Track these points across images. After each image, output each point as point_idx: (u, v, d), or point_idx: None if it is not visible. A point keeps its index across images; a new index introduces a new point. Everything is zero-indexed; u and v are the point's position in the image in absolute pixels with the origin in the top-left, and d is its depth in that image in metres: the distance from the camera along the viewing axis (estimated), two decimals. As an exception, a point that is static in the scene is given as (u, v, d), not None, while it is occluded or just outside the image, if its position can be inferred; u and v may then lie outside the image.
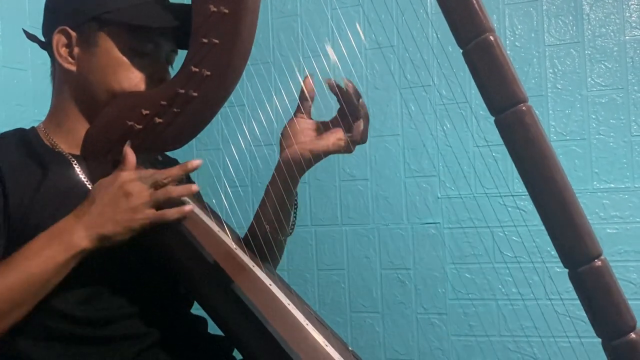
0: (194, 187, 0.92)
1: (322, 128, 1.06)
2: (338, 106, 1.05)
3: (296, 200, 1.12)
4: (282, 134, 1.07)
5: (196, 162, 0.91)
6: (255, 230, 1.07)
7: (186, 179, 1.18)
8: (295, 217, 1.14)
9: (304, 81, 1.04)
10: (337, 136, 1.03)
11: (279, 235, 1.09)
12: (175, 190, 0.89)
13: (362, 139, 1.03)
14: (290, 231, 1.14)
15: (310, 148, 1.03)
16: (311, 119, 1.08)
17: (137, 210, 0.87)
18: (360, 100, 1.02)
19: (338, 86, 1.01)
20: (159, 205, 0.89)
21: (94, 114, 0.97)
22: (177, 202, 0.91)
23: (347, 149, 1.04)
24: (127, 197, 0.87)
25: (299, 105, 1.06)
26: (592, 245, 0.75)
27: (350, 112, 1.02)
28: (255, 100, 1.72)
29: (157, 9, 0.95)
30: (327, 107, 1.08)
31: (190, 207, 0.91)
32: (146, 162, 0.98)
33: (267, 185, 1.10)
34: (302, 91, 1.04)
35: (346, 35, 1.81)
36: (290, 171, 1.05)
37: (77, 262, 0.87)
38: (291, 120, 1.07)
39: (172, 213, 0.89)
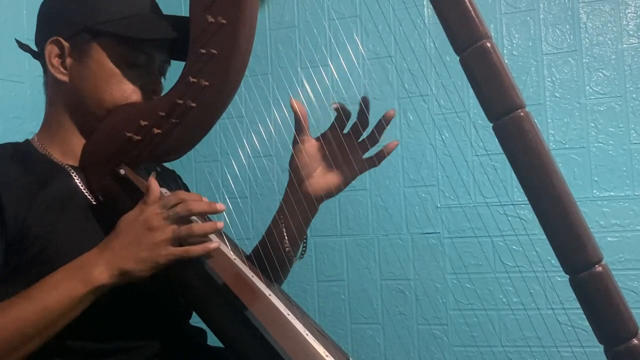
0: (219, 224, 0.89)
1: (330, 144, 1.05)
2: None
3: (306, 235, 1.11)
4: (290, 165, 1.06)
5: (222, 206, 0.88)
6: (260, 253, 1.07)
7: (183, 188, 1.18)
8: (305, 248, 1.12)
9: (291, 105, 1.02)
10: (359, 159, 1.04)
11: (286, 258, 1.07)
12: (199, 228, 0.87)
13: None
14: (300, 257, 1.12)
15: (328, 181, 1.04)
16: (312, 138, 1.06)
17: (160, 246, 0.85)
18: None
19: (342, 107, 1.02)
20: (181, 241, 0.87)
21: (86, 125, 0.97)
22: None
23: (372, 164, 1.04)
24: (150, 232, 0.85)
25: (296, 129, 1.05)
26: (593, 251, 0.74)
27: (364, 125, 1.02)
28: (254, 111, 1.72)
29: (150, 21, 0.96)
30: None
31: (216, 244, 0.88)
32: (145, 173, 0.98)
33: (275, 215, 1.09)
34: (295, 114, 1.03)
35: (344, 46, 1.81)
36: (302, 211, 1.05)
37: (95, 298, 0.85)
38: (297, 148, 1.05)
39: (196, 250, 0.87)
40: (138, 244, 0.85)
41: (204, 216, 0.93)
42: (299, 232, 1.07)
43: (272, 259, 1.03)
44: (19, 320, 0.82)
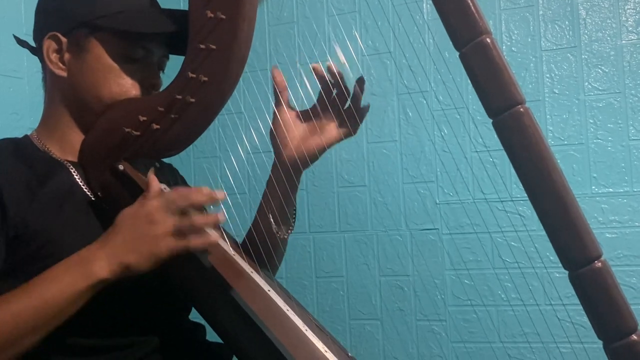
0: (221, 217, 0.87)
1: (311, 116, 1.07)
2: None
3: (294, 206, 1.12)
4: (270, 133, 1.08)
5: (221, 193, 0.87)
6: (253, 234, 1.07)
7: (181, 182, 1.18)
8: (294, 219, 1.14)
9: (272, 73, 1.06)
10: (336, 126, 1.06)
11: (278, 238, 1.09)
12: (200, 220, 0.85)
13: (361, 119, 1.07)
14: (290, 229, 1.14)
15: (310, 145, 1.05)
16: (293, 108, 1.09)
17: (161, 239, 0.83)
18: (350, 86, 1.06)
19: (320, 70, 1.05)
20: (182, 234, 0.85)
21: (85, 120, 0.96)
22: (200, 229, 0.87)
23: (349, 133, 1.07)
24: (151, 225, 0.83)
25: (277, 98, 1.07)
26: (592, 247, 0.74)
27: (340, 96, 1.05)
28: (253, 107, 1.72)
29: (147, 15, 0.95)
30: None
31: (216, 236, 0.87)
32: (143, 168, 0.98)
33: (265, 190, 1.10)
34: (274, 83, 1.06)
35: (343, 42, 1.81)
36: (288, 175, 1.05)
37: (95, 293, 0.84)
38: (275, 117, 1.07)
39: (196, 243, 0.85)
40: (139, 237, 0.84)
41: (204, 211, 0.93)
42: (286, 199, 1.08)
43: (265, 242, 1.04)
44: (17, 315, 0.81)
